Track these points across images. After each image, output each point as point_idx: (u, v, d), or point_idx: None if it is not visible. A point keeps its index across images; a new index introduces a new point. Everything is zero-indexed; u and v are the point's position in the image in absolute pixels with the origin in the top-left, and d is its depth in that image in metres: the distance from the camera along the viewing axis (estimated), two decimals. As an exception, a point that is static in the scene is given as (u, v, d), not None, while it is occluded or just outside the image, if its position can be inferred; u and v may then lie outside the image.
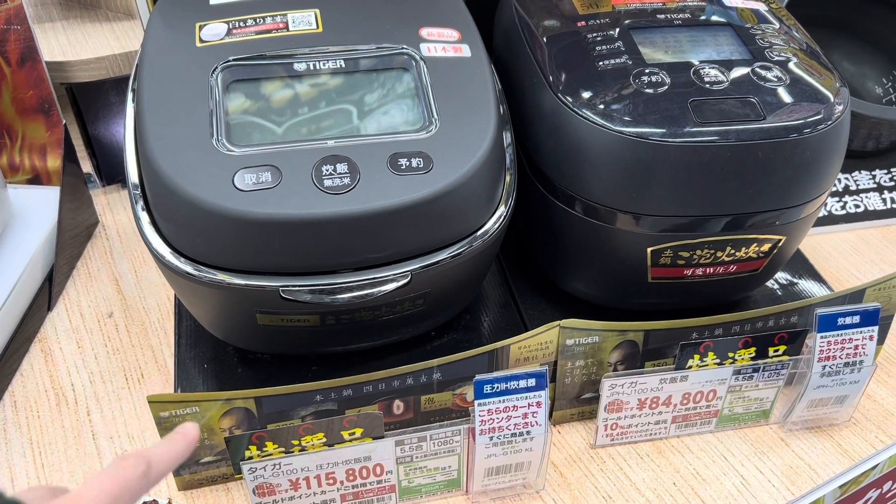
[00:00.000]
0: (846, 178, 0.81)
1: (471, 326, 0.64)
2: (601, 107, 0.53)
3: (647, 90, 0.53)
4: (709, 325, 0.57)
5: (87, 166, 0.82)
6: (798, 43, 0.59)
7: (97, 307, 0.68)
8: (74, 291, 0.70)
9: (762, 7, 0.63)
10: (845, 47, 0.90)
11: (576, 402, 0.60)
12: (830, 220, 0.78)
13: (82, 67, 0.69)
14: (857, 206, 0.79)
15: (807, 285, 0.70)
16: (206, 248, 0.48)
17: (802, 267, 0.71)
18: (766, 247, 0.57)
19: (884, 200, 0.80)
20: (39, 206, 0.71)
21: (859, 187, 0.81)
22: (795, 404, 0.59)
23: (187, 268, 0.48)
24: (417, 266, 0.49)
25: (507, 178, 0.54)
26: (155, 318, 0.67)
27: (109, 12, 0.75)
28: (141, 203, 0.50)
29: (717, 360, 0.56)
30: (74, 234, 0.73)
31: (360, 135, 0.50)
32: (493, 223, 0.52)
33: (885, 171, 0.82)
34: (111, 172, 0.83)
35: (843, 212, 0.79)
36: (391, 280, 0.49)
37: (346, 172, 0.47)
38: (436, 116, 0.51)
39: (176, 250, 0.49)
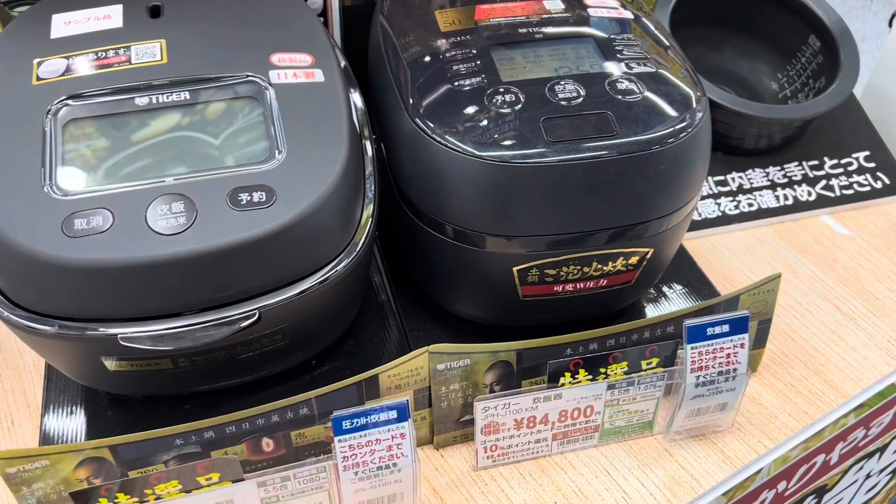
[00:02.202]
0: (740, 177, 0.82)
1: (353, 352, 0.63)
2: (455, 129, 0.52)
3: (502, 110, 0.52)
4: (582, 340, 0.56)
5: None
6: (661, 52, 0.58)
7: (-31, 350, 0.66)
8: (-54, 337, 0.67)
9: (628, 15, 0.62)
10: (740, 44, 0.91)
11: (457, 424, 0.59)
12: (724, 220, 0.79)
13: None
14: (750, 205, 0.80)
15: (695, 291, 0.70)
16: (38, 297, 0.46)
17: (691, 272, 0.71)
18: (634, 259, 0.56)
19: (777, 198, 0.80)
20: None
21: (753, 185, 0.81)
22: (675, 415, 0.58)
23: (18, 318, 0.46)
24: (265, 304, 0.48)
25: (366, 208, 0.53)
26: (29, 360, 0.65)
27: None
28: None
29: (590, 377, 0.56)
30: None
31: (201, 170, 0.48)
32: (348, 255, 0.51)
33: (779, 168, 0.83)
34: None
35: (737, 211, 0.79)
36: (237, 320, 0.48)
37: (181, 211, 0.46)
38: (283, 147, 0.50)
39: (9, 299, 0.47)
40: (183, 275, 0.45)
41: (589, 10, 0.62)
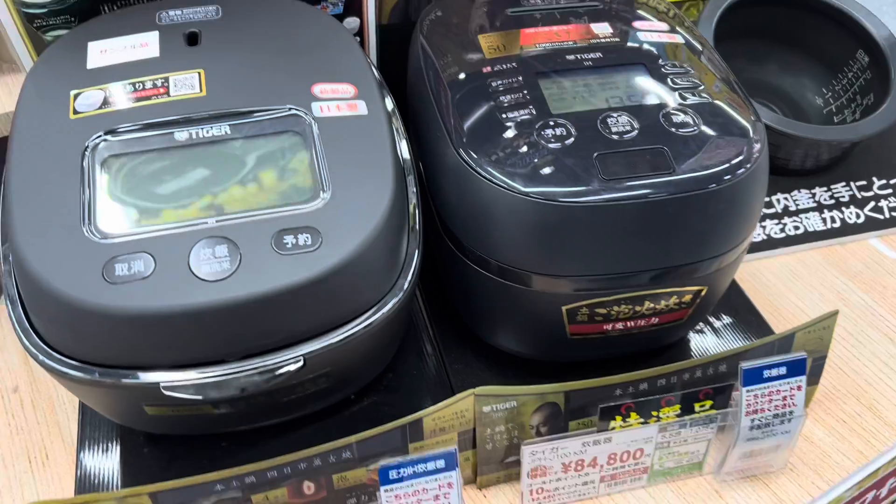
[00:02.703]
0: (785, 199, 0.79)
1: (392, 386, 0.61)
2: (503, 165, 0.50)
3: (552, 144, 0.50)
4: (632, 380, 0.55)
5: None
6: (714, 79, 0.56)
7: (2, 380, 0.65)
8: (-22, 365, 0.66)
9: (678, 38, 0.60)
10: (784, 58, 0.88)
11: (501, 465, 0.57)
12: (769, 244, 0.76)
13: (-28, 128, 0.65)
14: (796, 228, 0.77)
15: (743, 321, 0.68)
16: (78, 344, 0.45)
17: (738, 301, 0.69)
18: (687, 298, 0.54)
19: (824, 220, 0.78)
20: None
21: (798, 207, 0.79)
22: (727, 456, 0.56)
23: (57, 364, 0.45)
24: (310, 350, 0.46)
25: (411, 245, 0.51)
26: (63, 392, 0.64)
27: (4, 63, 0.71)
28: (10, 292, 0.47)
29: (641, 420, 0.54)
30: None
31: (244, 211, 0.46)
32: (394, 296, 0.49)
33: (825, 189, 0.80)
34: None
35: (783, 234, 0.77)
36: (282, 367, 0.46)
37: (225, 256, 0.44)
38: (327, 185, 0.48)
39: (47, 343, 0.46)
40: (228, 322, 0.44)
41: (638, 33, 0.59)
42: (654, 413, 0.54)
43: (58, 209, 0.46)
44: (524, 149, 0.50)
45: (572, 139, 0.50)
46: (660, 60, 0.57)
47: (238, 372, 0.45)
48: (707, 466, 0.59)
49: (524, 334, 0.58)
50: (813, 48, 0.86)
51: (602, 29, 0.60)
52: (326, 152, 0.49)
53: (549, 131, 0.51)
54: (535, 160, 0.49)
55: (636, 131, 0.51)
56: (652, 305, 0.54)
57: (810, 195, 0.79)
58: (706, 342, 0.66)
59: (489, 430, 0.54)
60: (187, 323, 0.43)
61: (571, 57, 0.57)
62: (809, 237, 0.77)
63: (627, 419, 0.54)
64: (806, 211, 0.78)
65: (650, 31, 0.60)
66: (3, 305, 0.72)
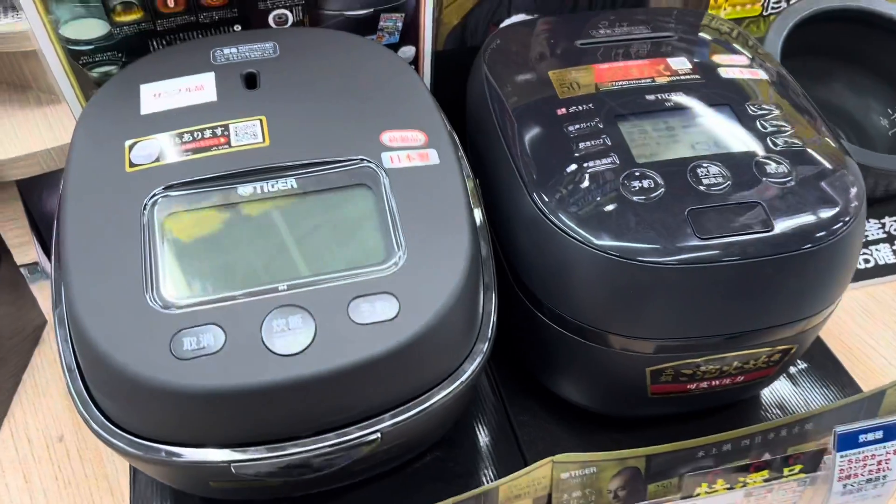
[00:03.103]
0: (853, 230, 0.75)
1: (456, 441, 0.58)
2: (586, 220, 0.46)
3: (640, 198, 0.47)
4: (715, 442, 0.51)
5: (32, 253, 0.76)
6: (801, 117, 0.53)
7: (46, 429, 0.62)
8: (21, 412, 0.64)
9: (761, 74, 0.56)
10: (848, 77, 0.84)
11: (573, 527, 0.54)
12: (838, 278, 0.73)
13: (13, 166, 0.62)
14: (866, 262, 0.74)
15: (818, 367, 0.64)
16: (143, 422, 0.42)
17: (813, 347, 0.66)
18: (776, 356, 0.51)
19: (895, 252, 0.74)
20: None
21: (868, 238, 0.75)
22: (814, 520, 0.53)
23: (121, 443, 0.42)
24: (388, 424, 0.43)
25: (487, 303, 0.48)
26: (110, 441, 0.61)
27: (42, 94, 0.68)
28: (67, 360, 0.44)
29: (728, 486, 0.51)
30: (18, 340, 0.67)
31: (316, 275, 0.43)
32: (473, 361, 0.46)
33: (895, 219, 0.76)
34: (60, 259, 0.77)
35: (852, 268, 0.73)
36: (357, 442, 0.43)
37: (300, 327, 0.41)
38: (401, 244, 0.45)
39: (109, 419, 0.43)
40: (303, 398, 0.41)
41: (719, 70, 0.56)
42: (742, 479, 0.51)
43: (118, 274, 0.43)
44: (610, 203, 0.47)
45: (661, 192, 0.47)
46: (744, 100, 0.53)
47: (311, 449, 0.42)
48: (789, 527, 0.56)
49: (600, 392, 0.55)
50: (879, 67, 0.83)
51: (680, 64, 0.56)
52: (399, 208, 0.46)
53: (636, 183, 0.47)
54: (624, 216, 0.46)
55: (728, 183, 0.48)
56: (740, 365, 0.51)
57: (880, 225, 0.76)
58: (781, 390, 0.63)
59: (565, 496, 0.51)
60: (261, 400, 0.40)
61: (651, 97, 0.53)
62: (880, 271, 0.74)
63: (713, 486, 0.51)
64: (876, 242, 0.75)
65: (730, 67, 0.56)
66: (49, 344, 0.69)
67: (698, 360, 0.49)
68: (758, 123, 0.51)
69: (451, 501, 0.48)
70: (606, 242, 0.46)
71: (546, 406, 0.60)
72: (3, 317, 0.64)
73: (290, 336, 0.41)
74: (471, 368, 0.46)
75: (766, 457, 0.54)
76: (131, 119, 0.49)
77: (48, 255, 0.77)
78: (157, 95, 0.51)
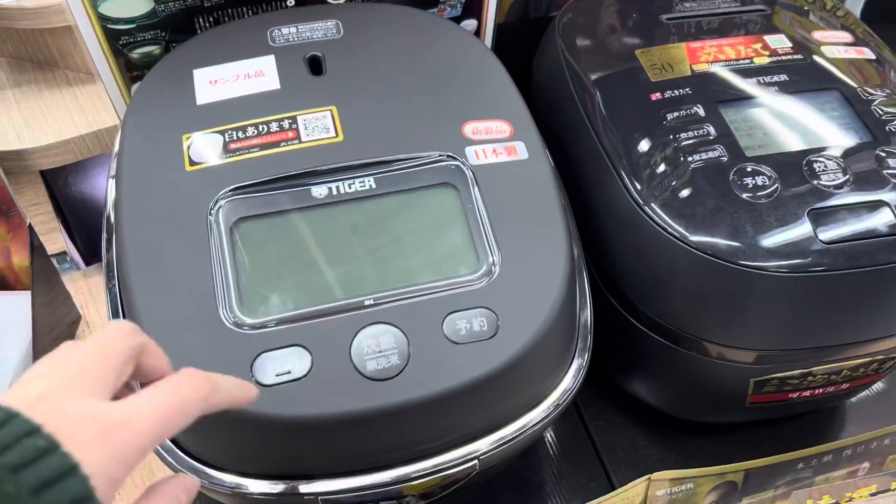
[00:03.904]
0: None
1: (531, 448, 0.55)
2: (696, 221, 0.42)
3: (753, 196, 0.43)
4: (816, 454, 0.48)
5: (60, 241, 0.72)
6: (918, 104, 0.48)
7: (90, 435, 0.59)
8: (62, 415, 0.60)
9: (867, 53, 0.51)
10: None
11: (660, 541, 0.51)
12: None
13: (44, 154, 0.57)
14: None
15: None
16: (221, 453, 0.38)
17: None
18: (888, 364, 0.48)
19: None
20: (8, 315, 0.61)
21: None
22: (915, 532, 0.51)
23: (204, 480, 0.38)
24: (485, 450, 0.40)
25: (582, 314, 0.44)
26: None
27: (69, 72, 0.62)
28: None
29: (833, 501, 0.48)
30: (54, 336, 0.63)
31: (405, 288, 0.39)
32: (574, 379, 0.42)
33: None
34: (92, 248, 0.72)
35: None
36: (454, 470, 0.40)
37: (392, 348, 0.37)
38: (495, 251, 0.40)
39: (184, 450, 0.39)
40: (396, 426, 0.37)
41: (822, 48, 0.51)
42: (849, 494, 0.48)
43: (187, 289, 0.38)
44: (721, 201, 0.42)
45: (777, 190, 0.43)
46: (854, 83, 0.48)
47: (404, 479, 0.39)
48: (884, 537, 0.53)
49: (695, 401, 0.51)
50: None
51: (778, 42, 0.51)
52: (489, 209, 0.42)
53: (749, 180, 0.43)
54: (739, 219, 0.42)
55: (848, 179, 0.43)
56: (849, 374, 0.47)
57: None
58: (869, 393, 0.59)
59: (659, 512, 0.48)
60: (353, 429, 0.37)
61: (752, 80, 0.48)
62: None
63: (819, 502, 0.48)
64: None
65: (834, 45, 0.52)
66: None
67: (807, 369, 0.45)
68: (873, 109, 0.47)
69: (542, 523, 0.45)
70: (720, 247, 0.41)
71: (622, 410, 0.57)
72: (37, 313, 0.59)
73: (382, 359, 0.37)
74: (571, 386, 0.42)
75: (866, 465, 0.51)
76: (187, 109, 0.45)
77: (76, 244, 0.73)
78: (213, 82, 0.46)
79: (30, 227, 0.59)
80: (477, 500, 0.52)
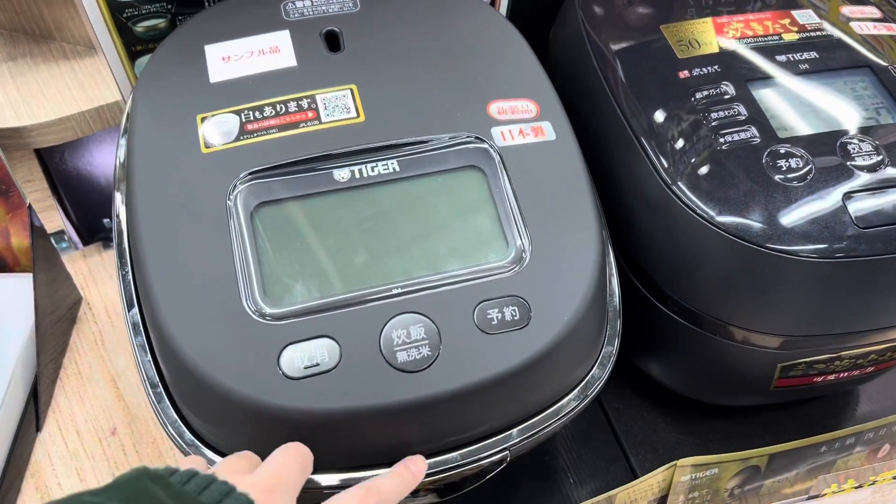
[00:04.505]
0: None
1: (548, 431, 0.55)
2: (728, 207, 0.41)
3: (788, 180, 0.41)
4: (839, 437, 0.48)
5: (56, 220, 0.69)
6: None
7: (96, 421, 0.57)
8: (65, 401, 0.59)
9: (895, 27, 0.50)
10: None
11: (680, 523, 0.51)
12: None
13: (43, 132, 0.55)
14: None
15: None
16: (247, 447, 0.37)
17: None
18: (914, 347, 0.47)
19: None
20: (9, 299, 0.59)
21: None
22: (933, 513, 0.51)
23: (227, 474, 0.37)
24: (516, 441, 0.39)
25: (612, 300, 0.43)
26: (166, 436, 0.57)
27: (66, 45, 0.60)
28: (148, 373, 0.39)
29: (857, 485, 0.48)
30: (55, 319, 0.61)
31: (433, 276, 0.38)
32: (603, 369, 0.41)
33: None
34: (90, 227, 0.70)
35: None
36: (483, 461, 0.39)
37: (422, 339, 0.36)
38: (525, 238, 0.39)
39: (209, 445, 0.38)
40: (427, 418, 0.36)
41: (851, 24, 0.50)
42: (872, 477, 0.48)
43: (208, 279, 0.37)
44: (755, 185, 0.41)
45: (811, 172, 0.42)
46: (885, 60, 0.47)
47: (433, 472, 0.38)
48: (900, 516, 0.53)
49: (719, 386, 0.51)
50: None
51: (806, 18, 0.50)
52: (517, 194, 0.41)
53: (782, 162, 0.42)
54: (773, 202, 0.41)
55: (883, 160, 0.42)
56: (876, 357, 0.47)
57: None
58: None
59: (682, 498, 0.48)
60: (383, 422, 0.36)
61: (782, 58, 0.47)
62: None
63: (843, 486, 0.48)
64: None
65: (863, 21, 0.50)
66: (87, 323, 0.63)
67: (836, 354, 0.45)
68: (904, 88, 0.46)
69: (568, 511, 0.44)
70: (753, 230, 0.40)
71: (639, 392, 0.56)
72: (39, 295, 0.58)
73: (412, 350, 0.36)
74: (601, 375, 0.41)
75: (886, 447, 0.51)
76: (199, 88, 0.43)
77: (73, 223, 0.70)
78: (226, 59, 0.44)
79: (29, 207, 0.57)
80: (496, 486, 0.52)
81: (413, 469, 0.36)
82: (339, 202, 0.40)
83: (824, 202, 0.41)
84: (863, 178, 0.42)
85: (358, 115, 0.42)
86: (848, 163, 0.42)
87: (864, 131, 0.43)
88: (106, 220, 0.69)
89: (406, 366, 0.36)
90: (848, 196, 0.41)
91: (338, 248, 0.39)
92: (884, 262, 0.40)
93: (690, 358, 0.49)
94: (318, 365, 0.35)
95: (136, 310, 0.40)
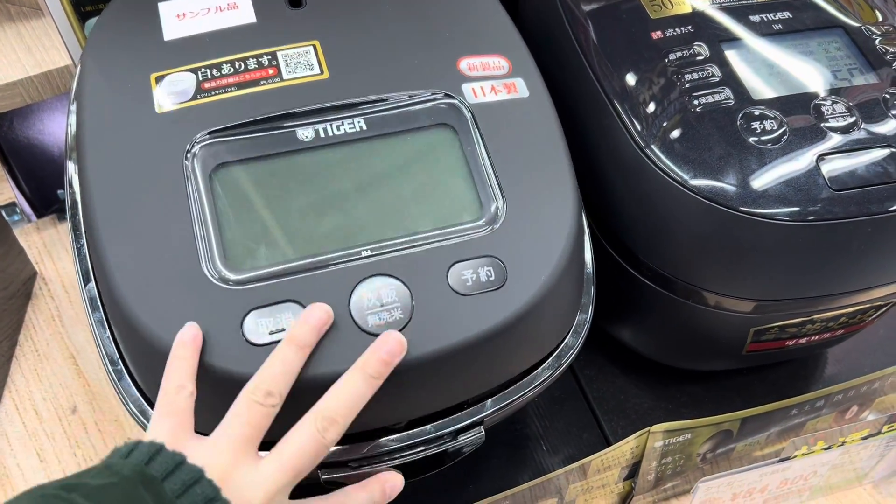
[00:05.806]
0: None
1: (520, 400, 0.54)
2: (702, 170, 0.40)
3: (762, 143, 0.41)
4: (809, 399, 0.48)
5: (7, 191, 0.66)
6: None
7: (56, 399, 0.55)
8: (22, 379, 0.56)
9: (868, -10, 0.50)
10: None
11: (655, 492, 0.51)
12: None
13: (-12, 98, 0.52)
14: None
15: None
16: (211, 421, 0.36)
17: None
18: (884, 309, 0.47)
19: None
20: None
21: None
22: (900, 473, 0.51)
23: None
24: (489, 412, 0.38)
25: (586, 266, 0.42)
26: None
27: (10, 6, 0.56)
28: (108, 350, 0.37)
29: (826, 446, 0.48)
30: (8, 295, 0.59)
31: (404, 237, 0.37)
32: (579, 333, 0.41)
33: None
34: (44, 199, 0.67)
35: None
36: (456, 435, 0.38)
37: (394, 301, 0.35)
38: (498, 197, 0.38)
39: (169, 416, 0.36)
40: (399, 386, 0.35)
41: (823, -16, 0.49)
42: (842, 439, 0.48)
43: (164, 243, 0.35)
44: (730, 147, 0.41)
45: (784, 136, 0.41)
46: (856, 20, 0.47)
47: (406, 446, 0.37)
48: (868, 477, 0.54)
49: (692, 351, 0.50)
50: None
51: (779, -23, 0.49)
52: (490, 152, 0.39)
53: (756, 125, 0.41)
54: (747, 163, 0.40)
55: (856, 122, 0.42)
56: (846, 321, 0.47)
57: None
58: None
59: (654, 463, 0.48)
60: (353, 390, 0.34)
61: (755, 18, 0.46)
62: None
63: (813, 448, 0.48)
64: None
65: (835, -19, 0.50)
66: (43, 299, 0.61)
67: (809, 318, 0.45)
68: (877, 47, 0.45)
69: (542, 480, 0.44)
70: (728, 193, 0.40)
71: (611, 359, 0.56)
72: (-10, 271, 0.55)
73: (383, 313, 0.35)
74: (575, 343, 0.40)
75: (854, 408, 0.51)
76: (153, 47, 0.40)
77: (24, 194, 0.67)
78: (181, 16, 0.41)
79: (-25, 177, 0.54)
80: (468, 456, 0.51)
81: (387, 489, 0.35)
82: (303, 162, 0.38)
83: (798, 164, 0.40)
84: (836, 140, 0.41)
85: (322, 72, 0.40)
86: (822, 124, 0.42)
87: (837, 92, 0.43)
88: (60, 192, 0.67)
89: (378, 329, 0.34)
90: (822, 158, 0.41)
91: (303, 209, 0.37)
92: (857, 224, 0.40)
93: (663, 324, 0.49)
94: (283, 330, 0.34)
95: (92, 284, 0.38)
